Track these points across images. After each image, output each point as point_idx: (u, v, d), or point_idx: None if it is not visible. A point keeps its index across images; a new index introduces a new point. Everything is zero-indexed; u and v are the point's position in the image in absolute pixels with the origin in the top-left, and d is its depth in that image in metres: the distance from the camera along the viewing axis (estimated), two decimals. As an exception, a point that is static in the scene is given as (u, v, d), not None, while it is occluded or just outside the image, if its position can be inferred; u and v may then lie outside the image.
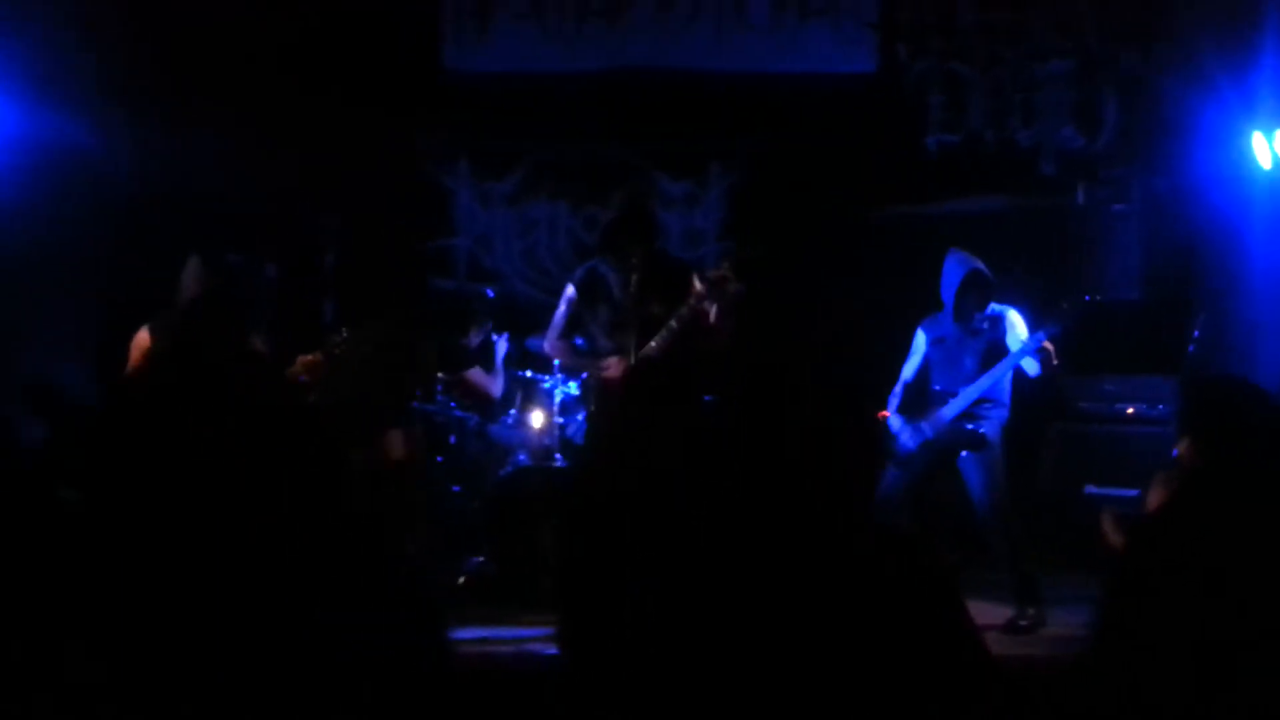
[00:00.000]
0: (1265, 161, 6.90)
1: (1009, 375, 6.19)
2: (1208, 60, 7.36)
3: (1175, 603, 1.98)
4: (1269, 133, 6.86)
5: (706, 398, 6.98)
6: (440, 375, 6.87)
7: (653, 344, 5.47)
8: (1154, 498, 3.95)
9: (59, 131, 7.35)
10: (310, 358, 5.73)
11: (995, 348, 6.17)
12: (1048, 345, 5.97)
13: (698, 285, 5.42)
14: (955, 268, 6.22)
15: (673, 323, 5.45)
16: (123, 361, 5.84)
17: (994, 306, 6.25)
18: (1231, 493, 2.13)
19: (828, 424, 2.44)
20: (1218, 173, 7.26)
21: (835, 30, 8.43)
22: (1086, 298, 6.09)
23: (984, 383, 6.11)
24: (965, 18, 8.36)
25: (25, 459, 4.88)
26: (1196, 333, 6.95)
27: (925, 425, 6.21)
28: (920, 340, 6.40)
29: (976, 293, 6.19)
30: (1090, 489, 7.28)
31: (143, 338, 5.76)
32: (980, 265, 6.21)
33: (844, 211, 8.14)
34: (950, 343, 6.26)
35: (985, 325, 6.22)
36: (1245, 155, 7.00)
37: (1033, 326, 6.14)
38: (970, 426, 6.14)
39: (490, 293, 7.72)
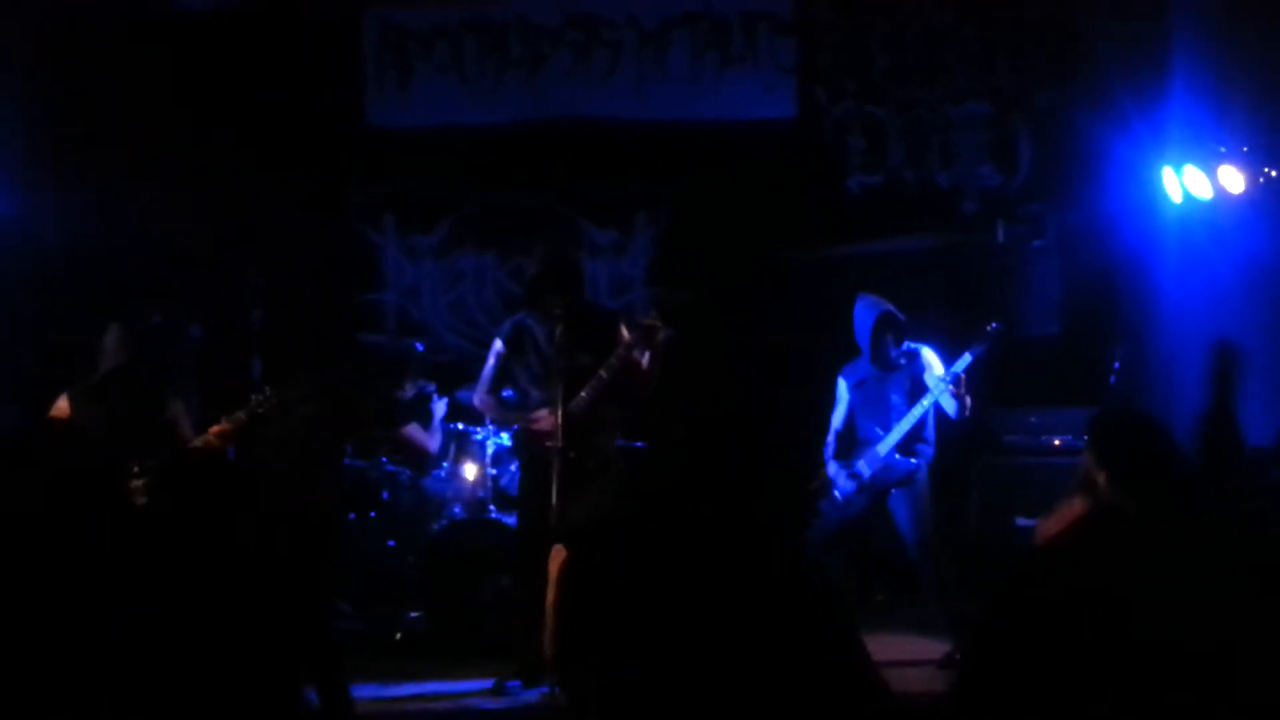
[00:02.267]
0: (1175, 195, 7.05)
1: (931, 412, 6.27)
2: (1119, 97, 7.52)
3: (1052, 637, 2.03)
4: (1178, 167, 7.00)
5: (638, 444, 6.98)
6: (377, 432, 6.86)
7: (582, 394, 5.49)
8: (1057, 521, 4.02)
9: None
10: (222, 426, 5.66)
11: (916, 383, 6.25)
12: (961, 378, 6.06)
13: (625, 333, 5.44)
14: (866, 312, 6.30)
15: (602, 372, 5.47)
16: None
17: (909, 343, 6.33)
18: (1129, 532, 2.19)
19: (756, 474, 2.47)
20: (1131, 207, 7.41)
21: (754, 77, 8.54)
22: (993, 325, 6.17)
23: (915, 413, 6.18)
24: (881, 61, 8.51)
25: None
26: (1116, 364, 7.07)
27: (860, 465, 6.26)
28: (842, 388, 6.46)
29: (891, 333, 6.27)
30: (1020, 521, 7.36)
31: (62, 406, 5.71)
32: (890, 307, 6.30)
33: (769, 254, 8.23)
34: (871, 383, 6.33)
35: (903, 361, 6.30)
36: (1156, 190, 7.15)
37: (948, 362, 6.22)
38: (902, 460, 6.21)
39: (420, 346, 7.71)
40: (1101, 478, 3.76)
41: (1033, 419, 7.25)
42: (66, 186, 7.70)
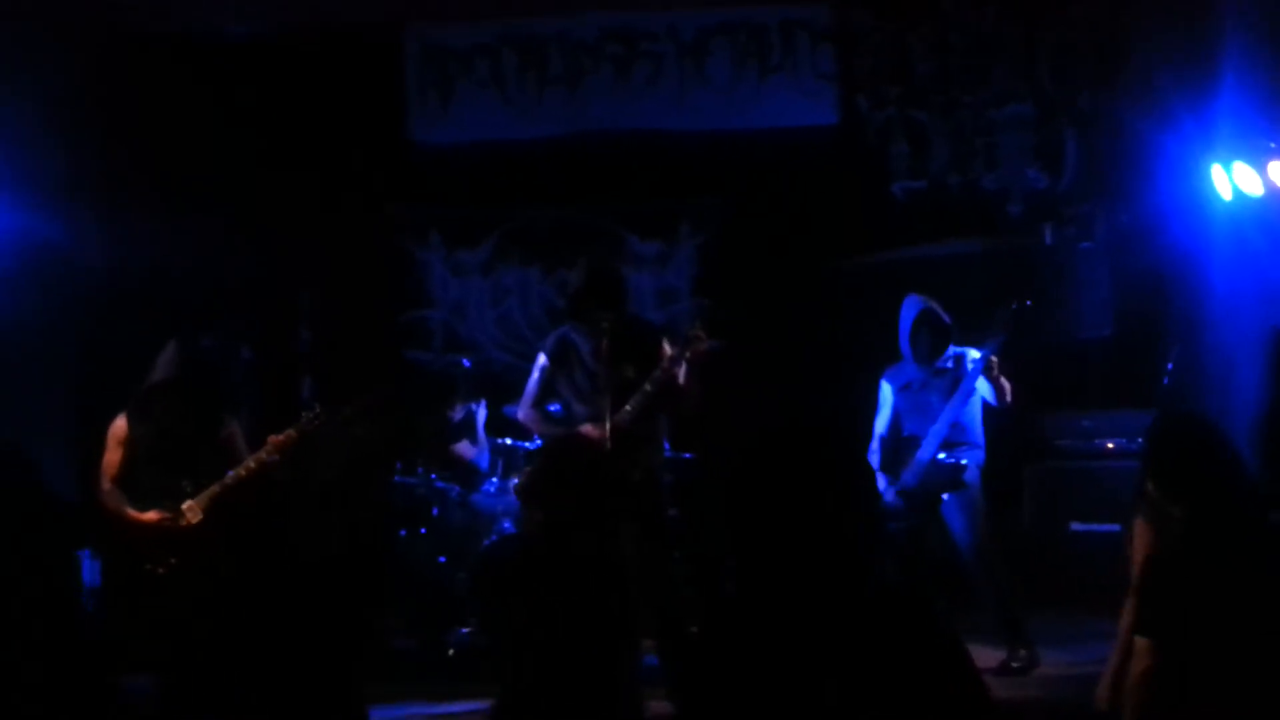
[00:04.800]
0: (1225, 193, 6.95)
1: (979, 415, 6.20)
2: (1166, 94, 7.42)
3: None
4: (1228, 164, 6.90)
5: (686, 455, 6.95)
6: (431, 453, 6.92)
7: (627, 408, 5.48)
8: (1139, 541, 3.98)
9: (33, 225, 7.37)
10: (280, 437, 5.72)
11: (960, 387, 6.18)
12: (992, 359, 5.98)
13: (667, 349, 5.44)
14: (908, 311, 6.24)
15: (647, 386, 5.46)
16: (99, 449, 5.84)
17: (955, 348, 6.26)
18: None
19: (828, 482, 2.44)
20: (1180, 206, 7.31)
21: (795, 84, 8.52)
22: (1014, 304, 6.09)
23: (948, 414, 6.10)
24: (922, 66, 8.45)
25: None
26: (1170, 365, 6.98)
27: (906, 474, 6.20)
28: (886, 391, 6.38)
29: (928, 330, 6.20)
30: (1074, 525, 7.29)
31: (119, 425, 5.76)
32: (932, 305, 6.23)
33: (815, 262, 8.20)
34: (916, 387, 6.27)
35: (950, 364, 6.23)
36: (1206, 187, 7.05)
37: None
38: (947, 459, 6.13)
39: (467, 363, 7.74)
40: (1150, 485, 3.71)
41: (1085, 422, 7.18)
42: (111, 210, 7.78)
